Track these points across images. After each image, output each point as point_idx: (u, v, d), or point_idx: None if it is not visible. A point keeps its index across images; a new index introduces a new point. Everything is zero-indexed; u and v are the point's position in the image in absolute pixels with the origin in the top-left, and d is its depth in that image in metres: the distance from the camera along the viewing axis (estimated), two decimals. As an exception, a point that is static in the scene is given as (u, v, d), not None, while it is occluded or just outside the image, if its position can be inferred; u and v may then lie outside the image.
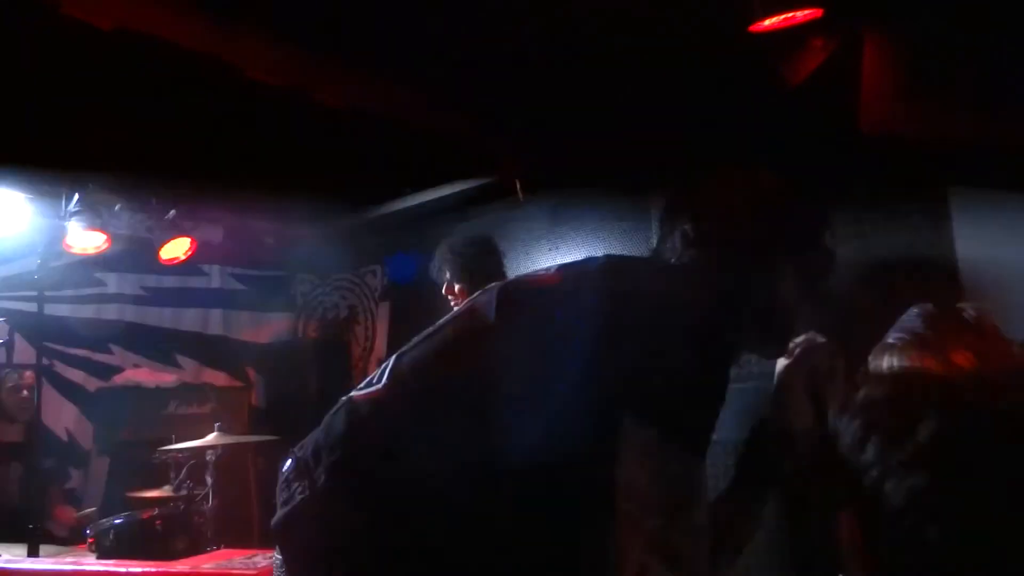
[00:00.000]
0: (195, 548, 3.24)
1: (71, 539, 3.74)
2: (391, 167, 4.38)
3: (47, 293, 3.88)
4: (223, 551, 3.15)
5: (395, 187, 4.73)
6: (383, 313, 5.32)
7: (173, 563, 2.87)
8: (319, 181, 4.17)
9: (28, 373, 4.06)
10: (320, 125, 3.71)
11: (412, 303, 4.82)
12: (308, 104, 3.45)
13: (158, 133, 3.63)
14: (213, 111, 3.63)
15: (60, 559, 3.21)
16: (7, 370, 4.12)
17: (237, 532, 3.88)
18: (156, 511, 3.39)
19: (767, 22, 2.73)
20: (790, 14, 2.70)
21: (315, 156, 3.99)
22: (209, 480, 3.68)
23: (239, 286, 5.51)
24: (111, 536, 3.18)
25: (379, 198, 4.89)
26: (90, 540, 3.28)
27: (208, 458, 3.69)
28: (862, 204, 3.33)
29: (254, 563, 2.72)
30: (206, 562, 2.87)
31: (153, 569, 2.71)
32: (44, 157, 3.79)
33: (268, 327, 5.59)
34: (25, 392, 4.07)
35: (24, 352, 4.15)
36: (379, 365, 1.35)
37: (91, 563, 2.99)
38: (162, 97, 3.46)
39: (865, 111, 3.00)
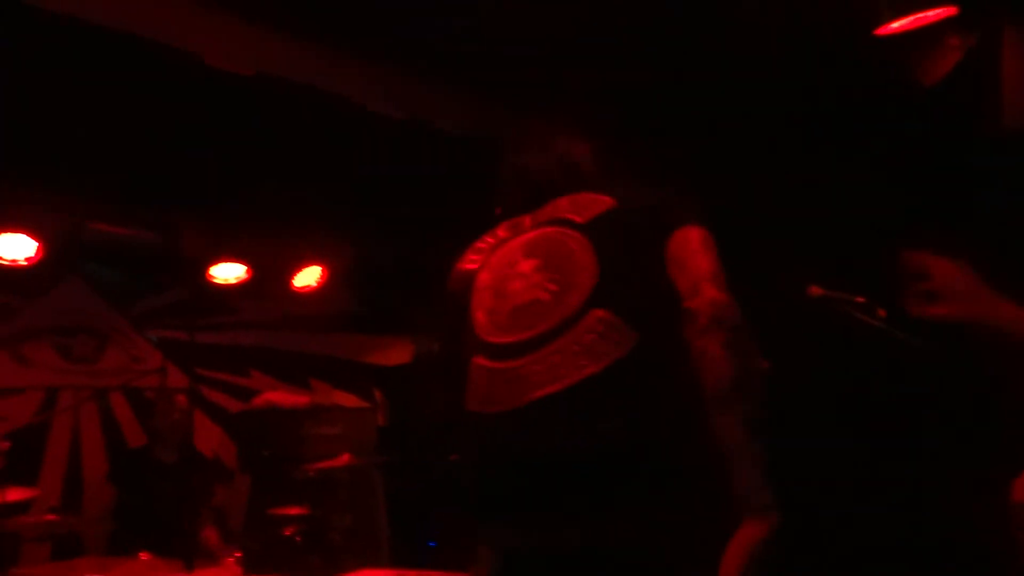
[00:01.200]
0: (333, 566, 3.36)
1: (216, 558, 3.95)
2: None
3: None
4: (364, 571, 3.22)
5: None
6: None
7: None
8: (441, 207, 4.28)
9: (179, 396, 4.35)
10: (440, 153, 3.82)
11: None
12: (427, 133, 3.57)
13: (291, 168, 3.84)
14: (338, 143, 3.81)
15: (209, 573, 3.40)
16: (160, 394, 4.43)
17: (369, 550, 4.00)
18: (296, 527, 3.54)
19: (895, 24, 2.61)
20: (921, 14, 2.58)
21: (437, 182, 4.11)
22: (341, 498, 3.82)
23: (366, 310, 5.71)
24: (256, 551, 3.36)
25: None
26: (237, 555, 3.49)
27: (340, 476, 3.84)
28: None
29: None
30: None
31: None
32: (183, 196, 4.06)
33: (393, 350, 5.76)
34: (176, 415, 4.35)
35: (174, 377, 4.46)
36: None
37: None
38: (288, 133, 3.65)
39: (1008, 107, 2.81)
